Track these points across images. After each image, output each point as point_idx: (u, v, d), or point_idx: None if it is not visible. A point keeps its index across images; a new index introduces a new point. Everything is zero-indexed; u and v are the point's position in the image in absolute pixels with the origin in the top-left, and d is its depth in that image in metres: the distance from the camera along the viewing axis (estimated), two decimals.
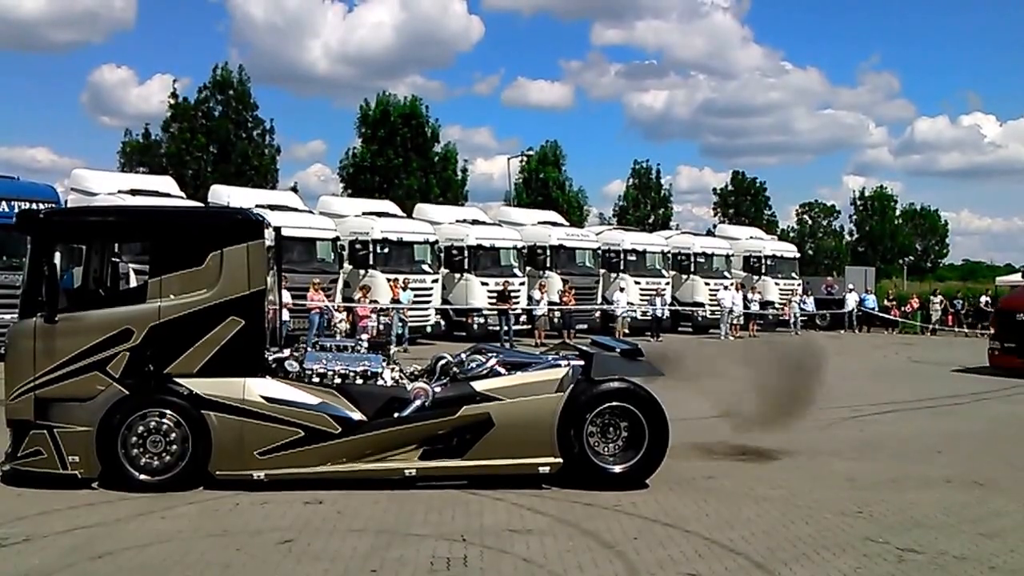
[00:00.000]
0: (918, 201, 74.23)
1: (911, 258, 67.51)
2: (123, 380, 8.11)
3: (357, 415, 8.38)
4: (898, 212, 71.48)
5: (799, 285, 37.18)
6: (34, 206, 16.37)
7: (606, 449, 8.63)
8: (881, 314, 36.90)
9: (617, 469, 8.55)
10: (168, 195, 23.32)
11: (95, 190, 22.70)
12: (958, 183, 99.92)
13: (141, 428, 8.08)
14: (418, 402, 8.50)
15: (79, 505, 7.62)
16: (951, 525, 7.70)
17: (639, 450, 8.55)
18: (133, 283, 12.75)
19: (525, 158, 49.94)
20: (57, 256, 8.44)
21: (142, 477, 8.07)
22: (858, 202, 71.13)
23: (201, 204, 23.60)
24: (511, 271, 27.51)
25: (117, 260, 9.91)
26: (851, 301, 36.16)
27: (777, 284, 36.02)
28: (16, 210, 15.19)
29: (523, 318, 27.09)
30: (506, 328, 25.42)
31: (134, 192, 22.53)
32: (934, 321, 36.58)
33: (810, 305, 36.32)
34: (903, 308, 37.88)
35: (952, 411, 14.96)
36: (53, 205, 18.37)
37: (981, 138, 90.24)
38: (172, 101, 41.80)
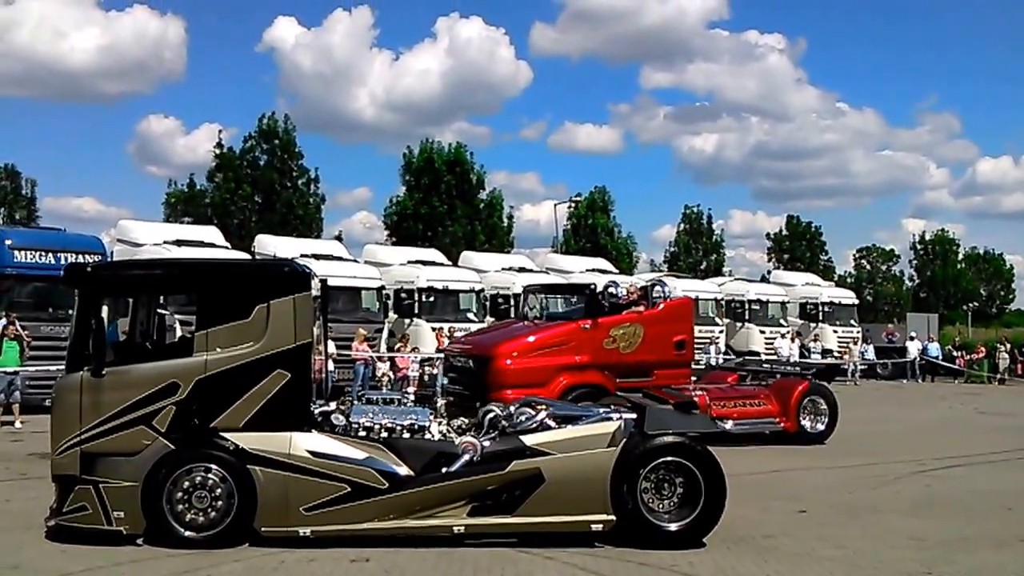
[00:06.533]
0: (981, 244, 72.58)
1: (975, 304, 65.45)
2: (169, 434, 8.04)
3: (404, 470, 8.21)
4: (960, 256, 69.94)
5: (859, 332, 36.33)
6: (81, 258, 16.64)
7: (661, 506, 8.32)
8: (945, 363, 35.79)
9: (673, 527, 8.24)
10: (213, 245, 23.42)
11: (141, 241, 22.93)
12: (1023, 225, 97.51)
13: (187, 483, 7.99)
14: (467, 457, 8.30)
15: (124, 562, 7.53)
16: None
17: (695, 507, 8.25)
18: (179, 335, 12.77)
19: (574, 204, 49.79)
20: (104, 310, 8.45)
21: (187, 533, 7.96)
22: (918, 246, 69.85)
23: (247, 255, 23.71)
24: None
25: (163, 312, 9.91)
26: (913, 349, 34.95)
27: (835, 332, 35.25)
28: (63, 262, 15.38)
29: None
30: None
31: (180, 243, 22.68)
32: (1002, 370, 35.29)
33: (870, 353, 35.44)
34: (969, 356, 36.77)
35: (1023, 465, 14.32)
36: (99, 257, 18.63)
37: None
38: (217, 151, 42.33)
